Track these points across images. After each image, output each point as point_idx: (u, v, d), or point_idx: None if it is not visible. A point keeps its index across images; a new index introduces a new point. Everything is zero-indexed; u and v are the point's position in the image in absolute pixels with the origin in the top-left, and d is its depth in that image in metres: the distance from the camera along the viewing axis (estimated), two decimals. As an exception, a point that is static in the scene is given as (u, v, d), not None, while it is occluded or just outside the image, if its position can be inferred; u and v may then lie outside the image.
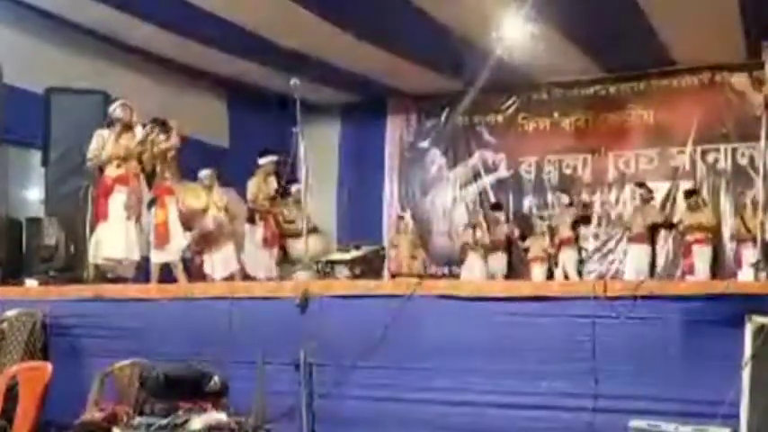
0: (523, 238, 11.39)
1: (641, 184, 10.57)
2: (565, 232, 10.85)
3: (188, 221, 7.86)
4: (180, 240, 7.48)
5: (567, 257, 10.77)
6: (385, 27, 9.08)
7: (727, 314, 3.87)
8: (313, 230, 8.74)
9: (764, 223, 5.29)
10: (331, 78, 10.91)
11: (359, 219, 12.21)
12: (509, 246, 11.47)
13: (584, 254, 11.02)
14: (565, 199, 11.09)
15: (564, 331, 4.19)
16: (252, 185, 8.97)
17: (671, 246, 10.68)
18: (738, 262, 9.69)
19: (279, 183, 8.76)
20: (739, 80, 10.28)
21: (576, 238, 10.92)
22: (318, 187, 9.63)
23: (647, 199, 10.42)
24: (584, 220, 11.01)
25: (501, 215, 11.55)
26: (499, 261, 11.30)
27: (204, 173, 8.56)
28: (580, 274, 10.67)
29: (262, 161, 8.95)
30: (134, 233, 7.08)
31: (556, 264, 10.81)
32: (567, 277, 10.40)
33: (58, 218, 7.37)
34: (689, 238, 10.05)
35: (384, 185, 12.66)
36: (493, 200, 11.91)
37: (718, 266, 9.99)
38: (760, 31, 7.32)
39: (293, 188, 8.94)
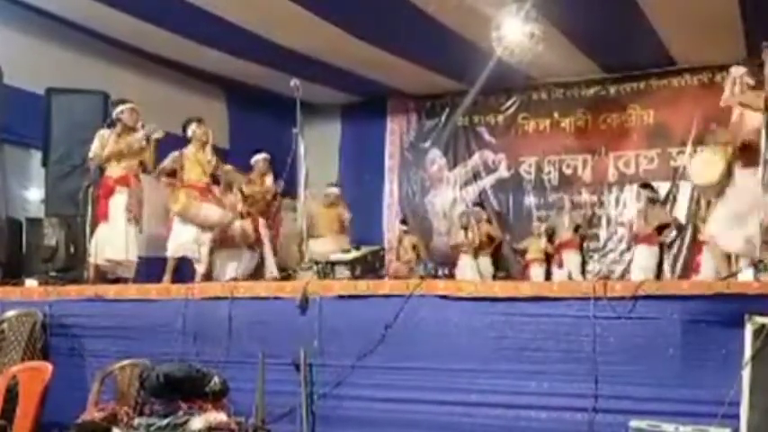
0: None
1: (646, 185, 10.52)
2: (565, 235, 10.78)
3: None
4: (186, 236, 7.38)
5: (570, 260, 10.69)
6: (385, 27, 9.07)
7: (727, 314, 3.87)
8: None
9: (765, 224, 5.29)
10: (331, 78, 10.89)
11: (359, 219, 12.19)
12: (496, 246, 11.45)
13: (588, 256, 10.96)
14: (562, 203, 10.99)
15: (564, 331, 4.19)
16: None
17: (678, 245, 10.63)
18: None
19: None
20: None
21: (582, 240, 10.87)
22: (318, 187, 9.63)
23: (653, 199, 10.36)
24: (588, 224, 10.88)
25: (483, 214, 11.47)
26: (485, 262, 11.26)
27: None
28: (584, 275, 10.58)
29: (253, 160, 8.99)
30: (134, 234, 7.08)
31: (560, 265, 10.71)
32: (571, 278, 10.26)
33: (58, 218, 7.36)
34: (701, 236, 9.97)
35: (384, 185, 12.66)
36: (493, 200, 11.91)
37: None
38: (760, 31, 7.30)
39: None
